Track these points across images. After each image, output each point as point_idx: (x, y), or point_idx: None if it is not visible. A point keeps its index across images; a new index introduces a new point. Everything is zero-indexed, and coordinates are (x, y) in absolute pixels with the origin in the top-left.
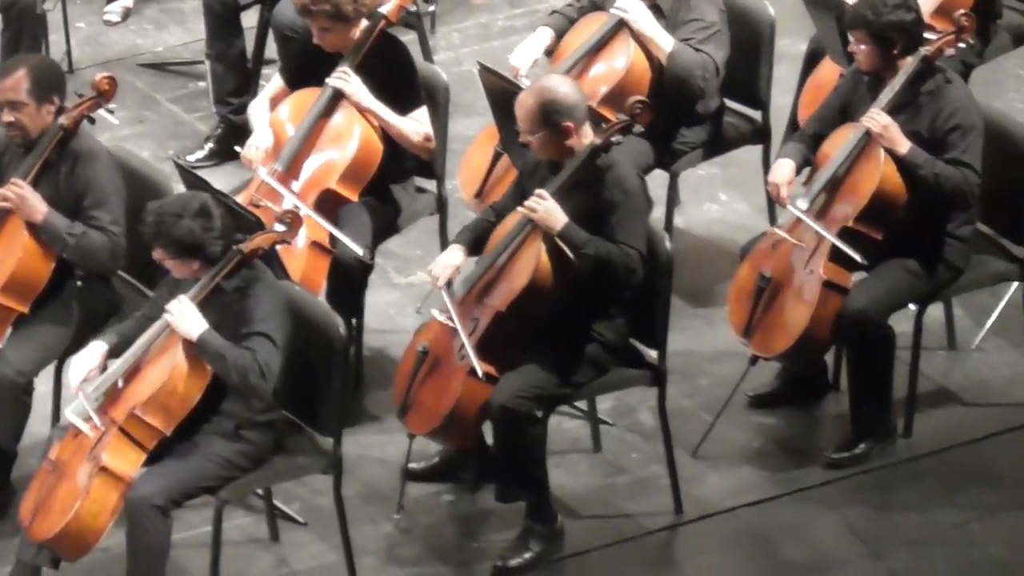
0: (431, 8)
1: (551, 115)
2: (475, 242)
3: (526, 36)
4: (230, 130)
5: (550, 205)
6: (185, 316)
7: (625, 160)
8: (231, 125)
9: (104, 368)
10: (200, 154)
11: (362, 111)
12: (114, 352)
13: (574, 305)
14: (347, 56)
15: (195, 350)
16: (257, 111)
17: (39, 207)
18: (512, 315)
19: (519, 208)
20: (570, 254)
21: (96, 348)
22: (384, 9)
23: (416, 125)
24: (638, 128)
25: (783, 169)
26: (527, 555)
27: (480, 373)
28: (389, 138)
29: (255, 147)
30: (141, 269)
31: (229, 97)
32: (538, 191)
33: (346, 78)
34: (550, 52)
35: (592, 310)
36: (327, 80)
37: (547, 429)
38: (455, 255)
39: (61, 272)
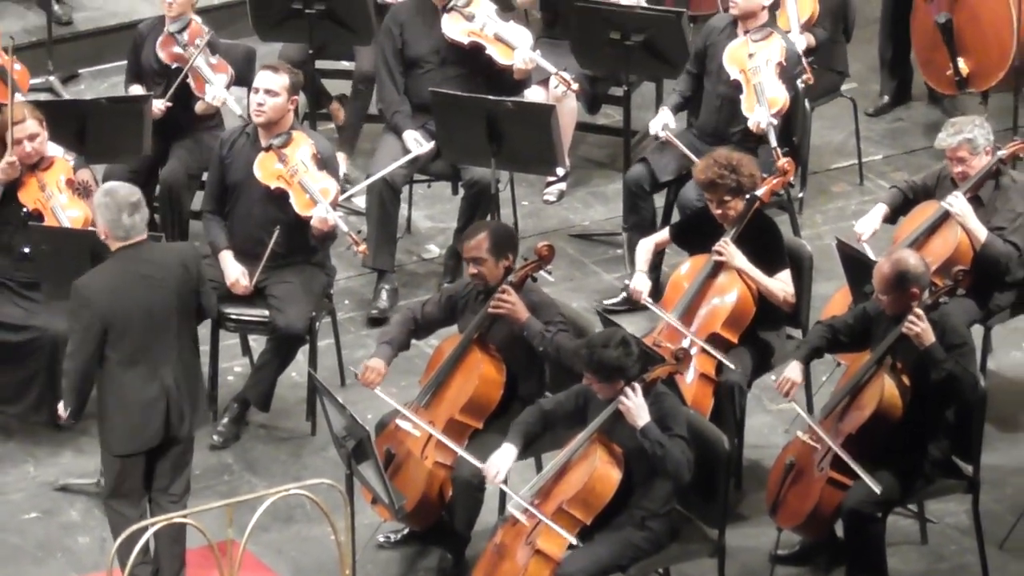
0: (800, 195)
1: (902, 282)
2: (811, 356)
3: None
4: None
5: (926, 326)
6: (639, 406)
7: (957, 312)
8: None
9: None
10: (614, 300)
11: (739, 272)
12: (521, 454)
13: (910, 429)
14: (728, 228)
15: (639, 434)
16: (641, 249)
17: (524, 311)
18: (860, 438)
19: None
20: (930, 370)
21: (508, 451)
22: (759, 192)
23: (781, 284)
24: (960, 292)
25: None
26: None
27: (845, 458)
28: (762, 297)
29: (640, 284)
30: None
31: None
32: (914, 314)
33: (724, 248)
34: (886, 220)
35: (924, 434)
36: (713, 248)
37: (886, 526)
38: (797, 372)
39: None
